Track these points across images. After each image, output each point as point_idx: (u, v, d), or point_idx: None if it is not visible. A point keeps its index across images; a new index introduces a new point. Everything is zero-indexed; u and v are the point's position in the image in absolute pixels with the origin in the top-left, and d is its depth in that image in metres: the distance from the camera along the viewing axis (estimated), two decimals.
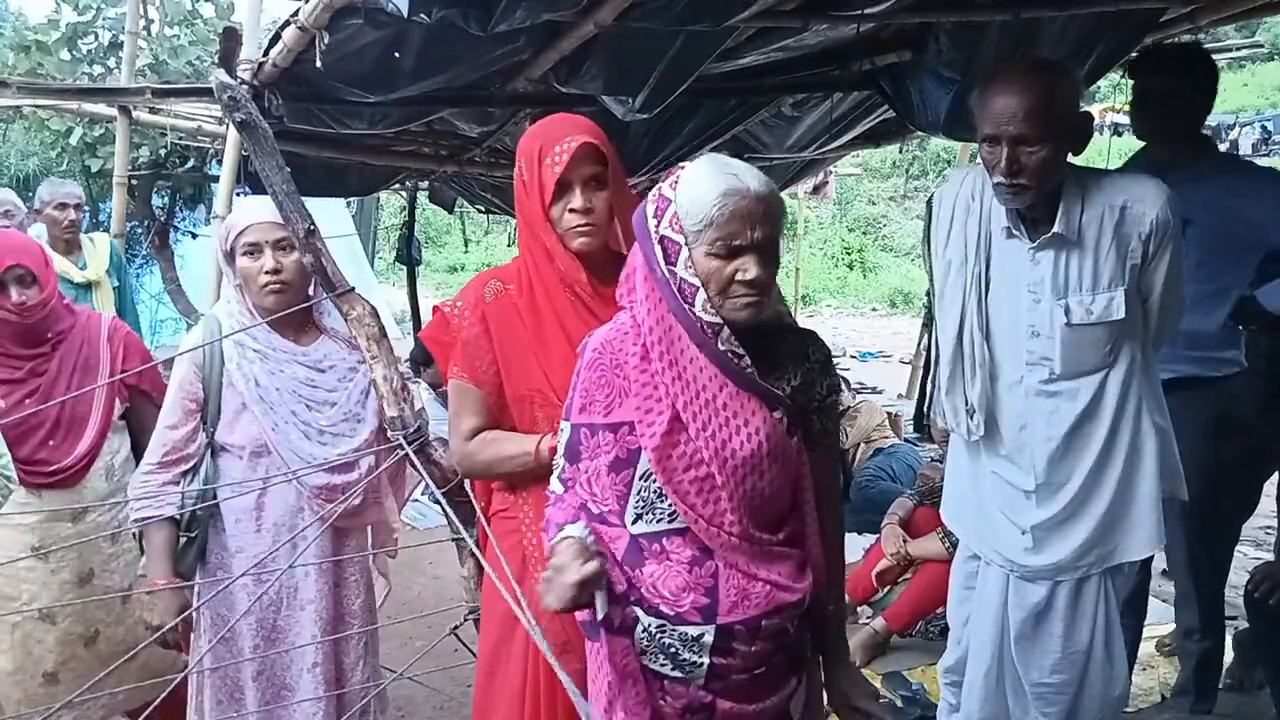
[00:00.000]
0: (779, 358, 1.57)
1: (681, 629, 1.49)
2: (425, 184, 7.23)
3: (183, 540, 2.23)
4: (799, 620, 1.58)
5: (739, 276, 1.44)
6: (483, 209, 7.47)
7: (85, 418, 2.50)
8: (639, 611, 1.52)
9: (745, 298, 1.46)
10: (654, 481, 1.51)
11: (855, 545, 4.07)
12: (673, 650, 1.51)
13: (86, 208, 4.49)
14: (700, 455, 1.48)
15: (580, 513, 1.57)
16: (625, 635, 1.52)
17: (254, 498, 2.21)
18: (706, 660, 1.50)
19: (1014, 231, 2.10)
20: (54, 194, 4.25)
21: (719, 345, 1.49)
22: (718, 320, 1.48)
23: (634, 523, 1.53)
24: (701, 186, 1.46)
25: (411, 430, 2.21)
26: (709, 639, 1.49)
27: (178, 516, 2.20)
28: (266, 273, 2.17)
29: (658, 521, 1.52)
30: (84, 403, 2.49)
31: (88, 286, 4.25)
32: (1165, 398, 2.18)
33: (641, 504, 1.53)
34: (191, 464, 2.22)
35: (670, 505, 1.51)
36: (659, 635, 1.51)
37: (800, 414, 1.57)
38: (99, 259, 4.34)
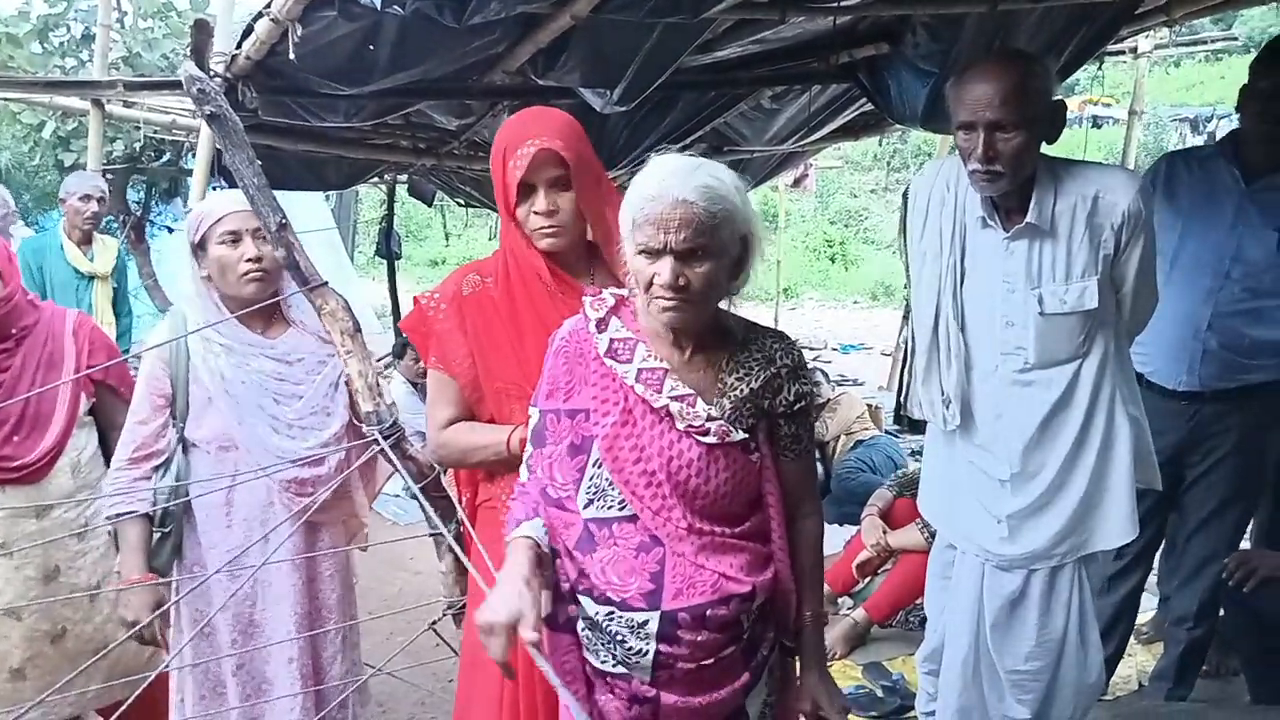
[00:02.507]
0: (744, 359, 1.58)
1: (628, 615, 1.51)
2: (404, 177, 7.20)
3: (156, 536, 2.21)
4: (757, 616, 1.58)
5: (655, 280, 1.47)
6: (462, 202, 7.43)
7: (50, 413, 2.47)
8: (587, 601, 1.54)
9: (662, 301, 1.48)
10: (605, 469, 1.54)
11: (836, 537, 4.09)
12: (620, 638, 1.52)
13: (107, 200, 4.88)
14: (648, 451, 1.52)
15: (540, 504, 1.58)
16: (568, 633, 1.57)
17: (223, 493, 2.19)
18: (652, 647, 1.51)
19: (988, 221, 2.11)
20: (80, 186, 4.63)
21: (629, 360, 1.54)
22: (631, 335, 1.56)
23: (586, 507, 1.55)
24: (636, 188, 1.48)
25: (387, 425, 2.20)
26: (654, 625, 1.51)
27: (151, 512, 2.19)
28: (248, 260, 2.15)
29: (608, 508, 1.54)
30: (48, 398, 2.46)
31: (91, 278, 4.63)
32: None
33: (594, 490, 1.55)
34: (163, 459, 2.20)
35: (620, 494, 1.53)
36: (607, 624, 1.52)
37: (765, 418, 1.58)
38: (106, 257, 4.69)
